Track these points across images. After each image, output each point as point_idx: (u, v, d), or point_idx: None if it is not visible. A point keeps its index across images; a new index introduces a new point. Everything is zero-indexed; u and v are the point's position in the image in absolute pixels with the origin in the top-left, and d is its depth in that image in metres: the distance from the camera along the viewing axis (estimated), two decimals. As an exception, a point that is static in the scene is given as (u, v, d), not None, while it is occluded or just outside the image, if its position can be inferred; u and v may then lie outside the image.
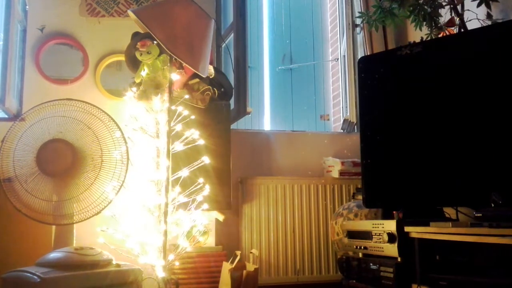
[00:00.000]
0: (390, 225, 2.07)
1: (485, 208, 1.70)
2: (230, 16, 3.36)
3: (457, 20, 2.49)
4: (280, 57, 3.82)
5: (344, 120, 3.50)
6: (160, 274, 2.19)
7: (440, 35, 2.54)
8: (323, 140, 3.44)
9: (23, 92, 2.93)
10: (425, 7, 2.54)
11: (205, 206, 2.43)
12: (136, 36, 2.66)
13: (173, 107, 2.35)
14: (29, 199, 2.31)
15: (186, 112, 2.40)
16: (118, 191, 2.37)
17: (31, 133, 2.38)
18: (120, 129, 2.44)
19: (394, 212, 2.25)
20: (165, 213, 2.23)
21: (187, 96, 2.56)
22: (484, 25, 2.37)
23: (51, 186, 2.34)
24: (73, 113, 2.44)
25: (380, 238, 2.12)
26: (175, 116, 2.36)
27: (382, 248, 2.10)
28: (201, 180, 2.42)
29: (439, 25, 2.55)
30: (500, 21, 2.41)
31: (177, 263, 2.34)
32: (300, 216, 3.11)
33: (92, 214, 2.35)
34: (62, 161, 2.36)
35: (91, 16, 3.07)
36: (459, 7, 2.48)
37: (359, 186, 3.02)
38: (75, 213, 2.35)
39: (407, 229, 1.97)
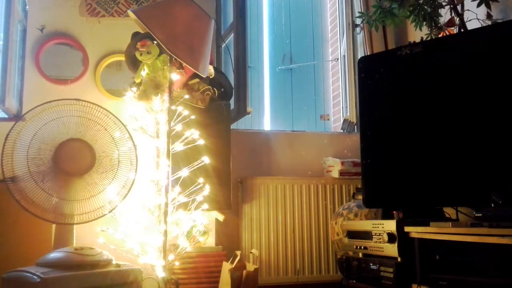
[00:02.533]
0: (390, 225, 2.07)
1: (485, 208, 1.70)
2: (230, 16, 3.36)
3: (457, 20, 2.49)
4: (280, 57, 3.82)
5: (344, 120, 3.50)
6: (160, 274, 2.19)
7: (440, 35, 2.54)
8: (323, 140, 3.44)
9: (23, 92, 2.93)
10: (425, 7, 2.55)
11: (205, 206, 2.43)
12: (136, 36, 2.66)
13: (173, 107, 2.35)
14: (45, 198, 2.30)
15: (186, 112, 2.40)
16: (130, 188, 2.42)
17: (47, 131, 2.36)
18: (127, 131, 2.49)
19: (394, 212, 2.25)
20: (165, 213, 2.23)
21: (187, 96, 2.56)
22: (484, 25, 2.38)
23: (71, 185, 2.34)
24: (89, 114, 2.45)
25: (380, 238, 2.12)
26: (175, 116, 2.36)
27: (382, 248, 2.10)
28: (201, 180, 2.42)
29: (439, 25, 2.55)
30: (500, 21, 2.41)
31: (177, 263, 2.34)
32: (300, 216, 3.11)
33: (106, 212, 2.40)
34: (82, 160, 2.37)
35: (91, 16, 3.07)
36: (459, 7, 2.49)
37: (359, 186, 3.02)
38: (92, 211, 2.37)
39: (407, 229, 1.97)
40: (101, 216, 2.39)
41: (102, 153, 2.44)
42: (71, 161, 2.36)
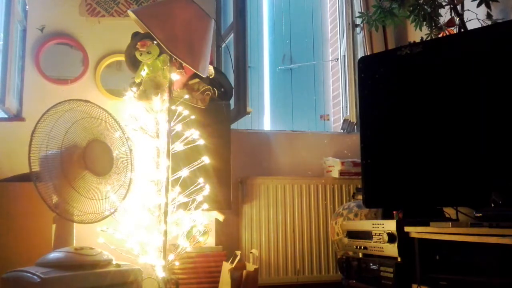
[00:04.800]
0: (390, 225, 2.07)
1: (485, 208, 1.70)
2: (230, 16, 3.36)
3: (457, 20, 2.49)
4: (280, 57, 3.82)
5: (344, 120, 3.50)
6: (160, 274, 2.19)
7: (440, 35, 2.54)
8: (323, 140, 3.44)
9: (23, 92, 2.93)
10: (425, 7, 2.55)
11: (205, 206, 2.43)
12: (136, 36, 2.65)
13: (173, 107, 2.35)
14: (79, 199, 2.29)
15: (186, 112, 2.40)
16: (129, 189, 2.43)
17: (78, 129, 2.34)
18: (123, 133, 2.49)
19: (394, 212, 2.25)
20: (165, 213, 2.23)
21: (187, 96, 2.56)
22: (484, 25, 2.37)
23: (97, 185, 2.34)
24: (105, 117, 2.44)
25: (380, 238, 2.12)
26: (175, 116, 2.36)
27: (382, 248, 2.10)
28: (201, 180, 2.42)
29: (439, 25, 2.55)
30: (500, 21, 2.41)
31: (177, 263, 2.34)
32: (300, 216, 3.11)
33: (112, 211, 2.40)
34: (106, 161, 2.37)
35: (91, 16, 3.07)
36: (459, 7, 2.49)
37: (359, 186, 3.02)
38: (111, 209, 2.39)
39: (407, 229, 1.97)
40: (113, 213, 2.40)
41: (117, 155, 2.44)
42: (97, 161, 2.35)
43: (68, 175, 2.26)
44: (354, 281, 2.30)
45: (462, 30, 2.47)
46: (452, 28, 2.53)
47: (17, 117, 2.87)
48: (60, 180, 2.24)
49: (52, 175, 2.23)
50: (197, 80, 2.68)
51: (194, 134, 2.42)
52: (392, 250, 2.04)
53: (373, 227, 2.18)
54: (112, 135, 2.43)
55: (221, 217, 2.83)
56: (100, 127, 2.41)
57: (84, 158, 2.31)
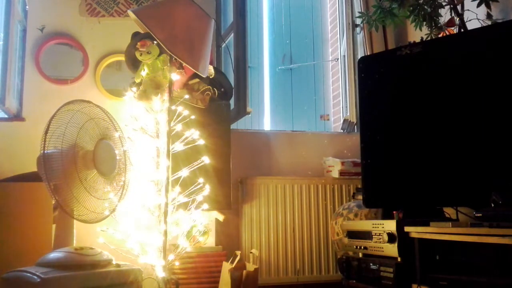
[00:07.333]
0: (390, 225, 2.07)
1: (485, 208, 1.70)
2: (230, 16, 3.36)
3: (457, 20, 2.49)
4: (280, 57, 3.82)
5: (344, 120, 3.50)
6: (160, 274, 2.19)
7: (440, 35, 2.55)
8: (323, 140, 3.44)
9: (23, 92, 2.93)
10: (425, 7, 2.55)
11: (205, 206, 2.43)
12: (136, 36, 2.66)
13: (173, 107, 2.35)
14: (92, 201, 2.29)
15: (186, 112, 2.40)
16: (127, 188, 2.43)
17: (89, 130, 2.33)
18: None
19: (394, 212, 2.25)
20: (165, 213, 2.23)
21: (187, 96, 2.56)
22: (484, 25, 2.38)
23: (103, 185, 2.34)
24: (107, 118, 2.44)
25: (380, 238, 2.12)
26: (175, 116, 2.36)
27: (382, 248, 2.10)
28: (201, 180, 2.42)
29: (439, 25, 2.55)
30: (500, 21, 2.41)
31: (177, 263, 2.34)
32: (300, 216, 3.11)
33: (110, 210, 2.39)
34: (111, 162, 2.36)
35: (91, 16, 3.07)
36: (459, 7, 2.49)
37: (359, 186, 3.02)
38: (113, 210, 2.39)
39: (407, 229, 1.97)
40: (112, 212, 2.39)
41: (119, 156, 2.44)
42: (104, 161, 2.34)
43: (80, 174, 2.26)
44: (354, 281, 2.30)
45: (462, 30, 2.47)
46: (452, 28, 2.53)
47: (17, 117, 2.87)
48: (72, 178, 2.23)
49: (66, 173, 2.22)
50: (197, 80, 2.68)
51: (194, 134, 2.42)
52: (392, 250, 2.04)
53: (373, 227, 2.18)
54: (114, 136, 2.44)
55: (221, 217, 2.83)
56: (105, 128, 2.41)
57: (93, 158, 2.31)
